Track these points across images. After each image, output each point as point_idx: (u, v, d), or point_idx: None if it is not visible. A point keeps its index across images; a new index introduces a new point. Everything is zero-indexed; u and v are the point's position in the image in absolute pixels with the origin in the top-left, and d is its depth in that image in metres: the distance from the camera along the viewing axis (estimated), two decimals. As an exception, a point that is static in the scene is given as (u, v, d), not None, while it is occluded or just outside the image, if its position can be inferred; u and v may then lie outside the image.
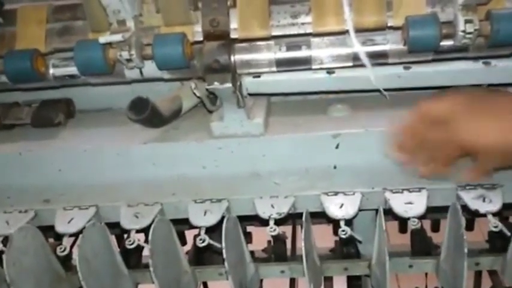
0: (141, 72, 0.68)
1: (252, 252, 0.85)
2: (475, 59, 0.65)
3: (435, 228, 1.29)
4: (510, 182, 0.68)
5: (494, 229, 0.64)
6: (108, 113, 0.84)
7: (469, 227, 1.30)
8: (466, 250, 0.62)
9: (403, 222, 1.30)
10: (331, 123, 0.75)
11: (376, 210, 0.71)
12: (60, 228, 0.70)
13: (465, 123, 0.61)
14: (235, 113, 0.71)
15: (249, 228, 1.31)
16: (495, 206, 0.66)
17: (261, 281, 0.95)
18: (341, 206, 0.70)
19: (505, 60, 0.65)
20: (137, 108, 0.70)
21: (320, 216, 0.74)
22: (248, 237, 1.32)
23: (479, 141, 0.60)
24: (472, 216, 0.69)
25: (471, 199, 0.67)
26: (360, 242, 0.71)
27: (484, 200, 0.66)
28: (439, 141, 0.64)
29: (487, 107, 0.61)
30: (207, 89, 0.65)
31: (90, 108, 0.85)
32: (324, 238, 1.11)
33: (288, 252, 1.10)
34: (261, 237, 1.24)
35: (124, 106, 0.69)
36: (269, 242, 1.27)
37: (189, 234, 1.13)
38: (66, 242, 0.70)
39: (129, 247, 0.68)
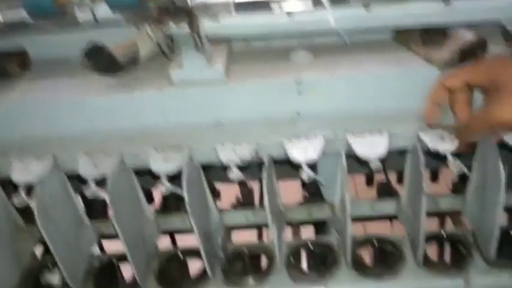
0: (94, 16, 0.65)
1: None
2: (435, -2, 0.65)
3: (400, 179, 1.31)
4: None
5: (454, 169, 0.65)
6: (65, 64, 0.81)
7: (434, 177, 1.33)
8: (424, 186, 0.63)
9: (369, 174, 1.33)
10: (294, 69, 0.74)
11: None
12: (16, 177, 0.68)
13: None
14: (194, 59, 0.69)
15: (218, 187, 1.32)
16: (454, 145, 0.66)
17: (230, 233, 0.96)
18: (304, 150, 0.70)
19: (464, 0, 0.64)
20: (92, 56, 0.68)
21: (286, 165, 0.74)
22: (217, 194, 1.33)
23: None
24: (433, 158, 0.69)
25: (431, 140, 0.68)
26: (322, 184, 0.71)
27: (443, 140, 0.67)
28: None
29: None
30: (163, 32, 0.63)
31: (46, 59, 0.82)
32: (292, 194, 1.12)
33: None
34: (231, 195, 1.25)
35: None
36: (237, 197, 1.28)
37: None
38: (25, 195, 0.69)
39: (88, 195, 0.67)
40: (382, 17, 0.65)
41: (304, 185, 1.29)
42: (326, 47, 0.77)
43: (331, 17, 0.63)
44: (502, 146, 0.66)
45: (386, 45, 0.75)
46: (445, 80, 0.66)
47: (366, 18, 0.65)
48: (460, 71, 0.65)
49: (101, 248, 1.00)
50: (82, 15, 0.65)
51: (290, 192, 1.16)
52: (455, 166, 0.65)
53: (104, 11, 0.65)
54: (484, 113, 0.62)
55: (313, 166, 0.72)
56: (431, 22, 0.66)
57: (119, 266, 0.80)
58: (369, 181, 1.37)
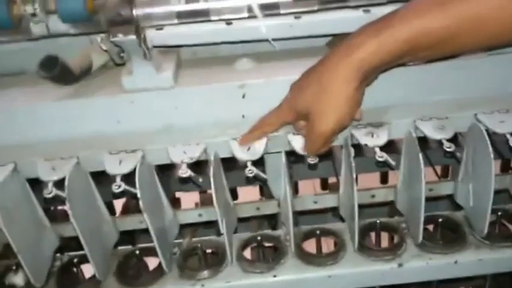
0: (47, 28, 0.71)
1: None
2: (356, 7, 0.72)
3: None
4: (396, 120, 0.76)
5: (380, 159, 0.72)
6: (22, 76, 0.86)
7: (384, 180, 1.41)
8: (354, 175, 0.70)
9: (324, 178, 1.40)
10: (238, 75, 0.80)
11: (287, 153, 0.78)
12: (-22, 183, 0.72)
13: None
14: (144, 67, 0.75)
15: (178, 194, 1.37)
16: (381, 141, 0.74)
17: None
18: (248, 149, 0.76)
19: (383, 7, 0.72)
20: (47, 66, 0.73)
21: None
22: (177, 202, 1.38)
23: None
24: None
25: (362, 135, 0.75)
26: (265, 179, 0.77)
27: (372, 136, 0.74)
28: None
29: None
30: (111, 42, 0.68)
31: (3, 72, 0.86)
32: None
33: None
34: (191, 203, 1.30)
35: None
36: (196, 204, 1.34)
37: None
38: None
39: (47, 196, 0.72)
40: (310, 26, 0.73)
41: (261, 190, 1.36)
42: (268, 54, 0.84)
43: (263, 26, 0.69)
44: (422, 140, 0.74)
45: (321, 51, 0.82)
46: (263, 130, 0.76)
47: (296, 27, 0.72)
48: (273, 117, 0.75)
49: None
50: (36, 28, 0.70)
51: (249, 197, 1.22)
52: (380, 156, 0.72)
53: (57, 23, 0.70)
54: (311, 134, 0.71)
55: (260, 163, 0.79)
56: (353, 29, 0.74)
57: (79, 265, 0.84)
58: (324, 184, 1.44)
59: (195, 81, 0.79)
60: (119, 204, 1.23)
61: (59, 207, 1.02)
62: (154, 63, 0.75)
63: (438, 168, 1.33)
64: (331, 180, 1.35)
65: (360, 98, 0.69)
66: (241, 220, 0.91)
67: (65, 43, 0.77)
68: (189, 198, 1.34)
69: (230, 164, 0.82)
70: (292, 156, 1.11)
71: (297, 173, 1.21)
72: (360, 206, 0.75)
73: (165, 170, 1.11)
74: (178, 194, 1.35)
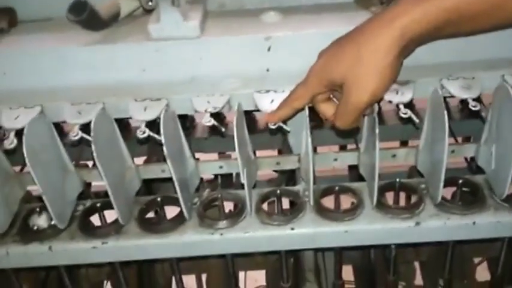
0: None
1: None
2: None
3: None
4: (421, 78, 0.76)
5: (403, 115, 0.72)
6: (51, 21, 0.86)
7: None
8: (377, 131, 0.70)
9: (343, 144, 1.40)
10: (264, 27, 0.80)
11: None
12: (6, 124, 0.74)
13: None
14: (171, 15, 0.75)
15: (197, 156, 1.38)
16: (406, 98, 0.74)
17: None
18: (272, 101, 0.76)
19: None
20: (76, 10, 0.73)
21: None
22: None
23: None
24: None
25: (387, 92, 0.74)
26: (288, 131, 0.78)
27: (397, 93, 0.74)
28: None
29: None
30: (141, -14, 0.69)
31: (33, 17, 0.87)
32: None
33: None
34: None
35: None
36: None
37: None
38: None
39: (73, 139, 0.73)
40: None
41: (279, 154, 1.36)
42: (295, 8, 0.84)
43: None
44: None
45: (348, 7, 0.81)
46: (292, 105, 0.74)
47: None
48: (301, 90, 0.72)
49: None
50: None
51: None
52: (404, 112, 0.72)
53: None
54: (347, 105, 0.68)
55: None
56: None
57: (102, 211, 0.86)
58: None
59: (221, 31, 0.79)
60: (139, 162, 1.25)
61: (81, 162, 1.04)
62: (182, 10, 0.75)
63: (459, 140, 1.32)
64: (350, 146, 1.35)
65: (398, 69, 0.66)
66: (259, 182, 0.91)
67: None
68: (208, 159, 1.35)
69: (250, 127, 0.83)
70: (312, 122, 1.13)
71: (316, 138, 1.21)
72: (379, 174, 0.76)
73: (186, 131, 1.12)
74: (197, 155, 1.36)
